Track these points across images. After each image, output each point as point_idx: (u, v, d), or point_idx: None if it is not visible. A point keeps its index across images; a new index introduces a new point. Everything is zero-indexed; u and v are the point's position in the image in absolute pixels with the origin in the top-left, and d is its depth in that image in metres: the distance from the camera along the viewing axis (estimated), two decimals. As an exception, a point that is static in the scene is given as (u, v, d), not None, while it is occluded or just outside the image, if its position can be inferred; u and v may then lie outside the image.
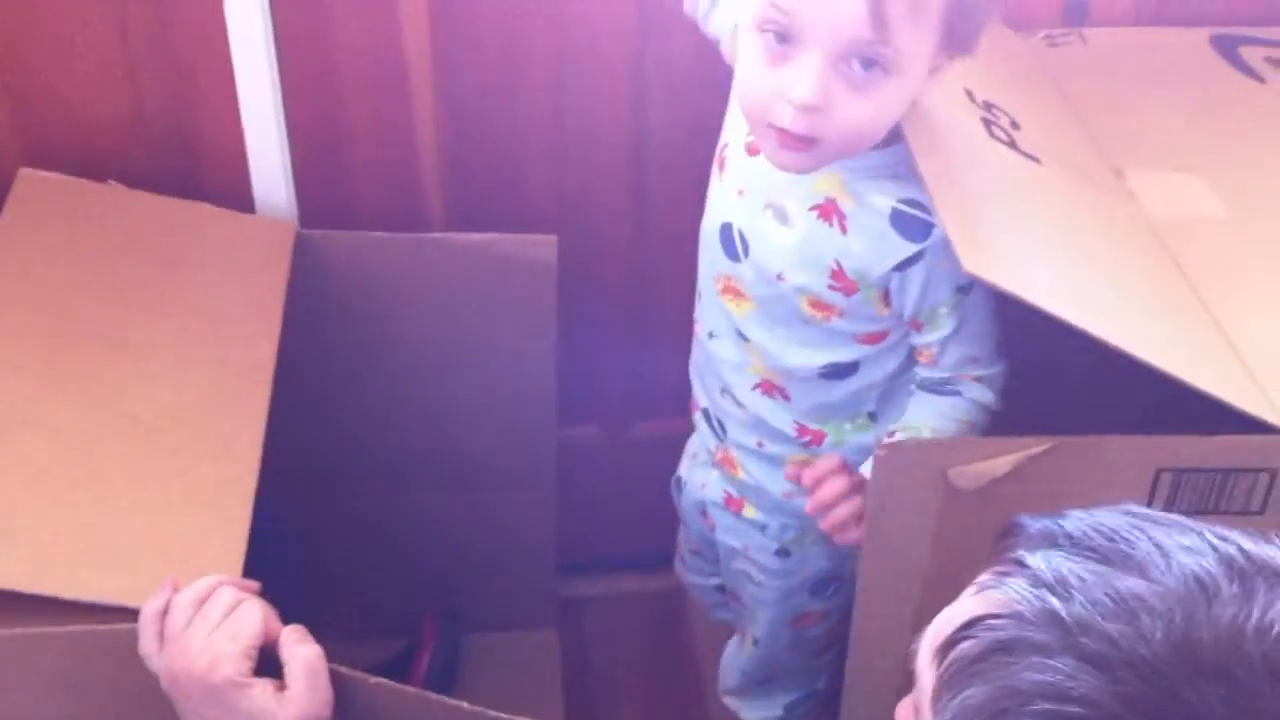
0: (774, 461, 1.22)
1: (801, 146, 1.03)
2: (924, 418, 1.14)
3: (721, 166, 1.17)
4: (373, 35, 1.40)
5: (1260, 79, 1.37)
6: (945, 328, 1.11)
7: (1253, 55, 1.40)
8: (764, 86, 1.02)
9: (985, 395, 1.14)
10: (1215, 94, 1.35)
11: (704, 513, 1.35)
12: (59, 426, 1.11)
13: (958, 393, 1.14)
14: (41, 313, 1.20)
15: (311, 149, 1.43)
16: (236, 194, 1.40)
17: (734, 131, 1.16)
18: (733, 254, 1.15)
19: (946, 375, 1.13)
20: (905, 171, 1.06)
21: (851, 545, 1.26)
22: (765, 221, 1.12)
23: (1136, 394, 1.08)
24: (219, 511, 1.09)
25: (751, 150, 1.13)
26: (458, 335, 1.47)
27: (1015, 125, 1.19)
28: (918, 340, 1.13)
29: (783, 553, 1.29)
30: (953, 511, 1.01)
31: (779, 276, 1.12)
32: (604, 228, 1.53)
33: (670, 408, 1.58)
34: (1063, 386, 1.28)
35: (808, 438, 1.19)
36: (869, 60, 0.99)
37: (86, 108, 1.39)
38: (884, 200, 1.07)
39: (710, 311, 1.20)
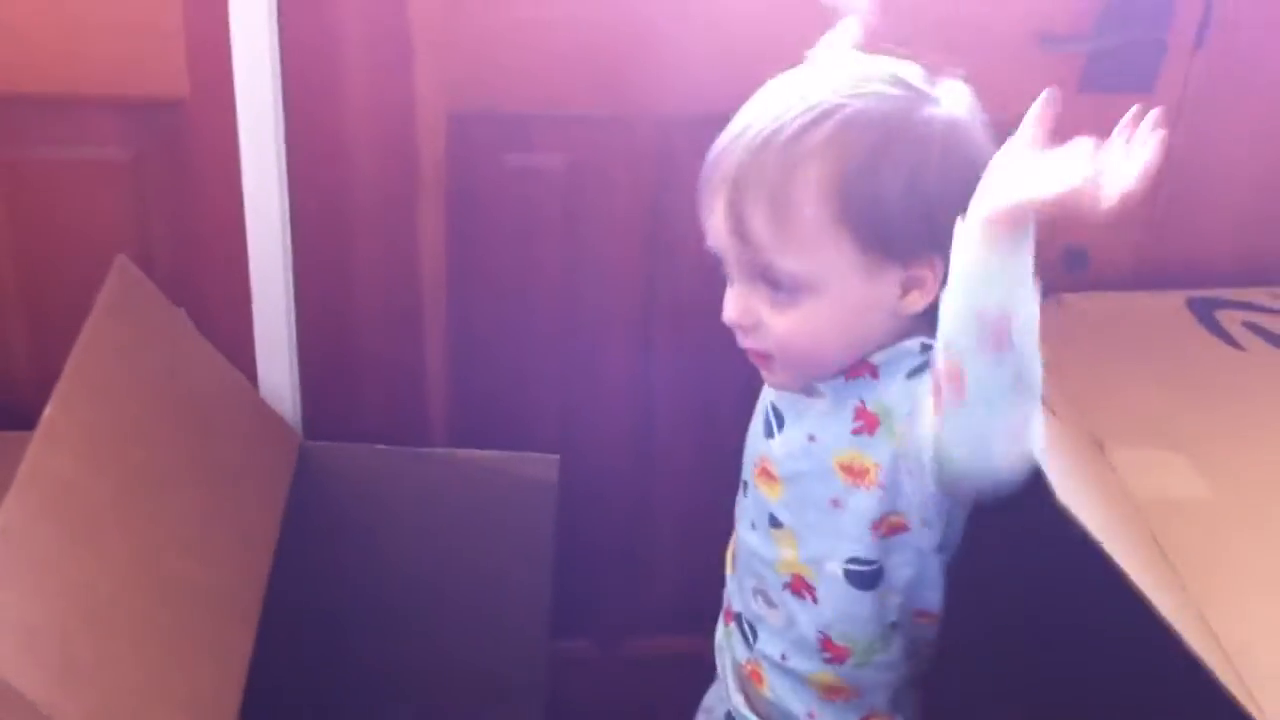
0: (796, 678, 1.18)
1: (762, 363, 1.08)
2: None
3: None
4: (389, 253, 1.44)
5: (1239, 346, 1.36)
6: None
7: (1230, 320, 1.40)
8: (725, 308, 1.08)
9: None
10: (1194, 362, 1.34)
11: None
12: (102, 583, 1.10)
13: None
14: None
15: (319, 360, 1.46)
16: (244, 405, 1.43)
17: None
18: (768, 431, 1.14)
19: None
20: None
21: None
22: (798, 397, 1.12)
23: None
24: (200, 716, 1.09)
25: None
26: (455, 549, 1.49)
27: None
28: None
29: None
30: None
31: (810, 438, 1.10)
32: (606, 449, 1.55)
33: (666, 625, 1.59)
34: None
35: (830, 654, 1.15)
36: (769, 280, 1.02)
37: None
38: (914, 340, 1.06)
39: (749, 503, 1.18)
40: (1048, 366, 1.31)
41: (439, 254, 1.43)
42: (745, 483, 1.18)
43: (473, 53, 1.35)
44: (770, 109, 1.01)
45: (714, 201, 1.02)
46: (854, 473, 1.07)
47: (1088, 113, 1.37)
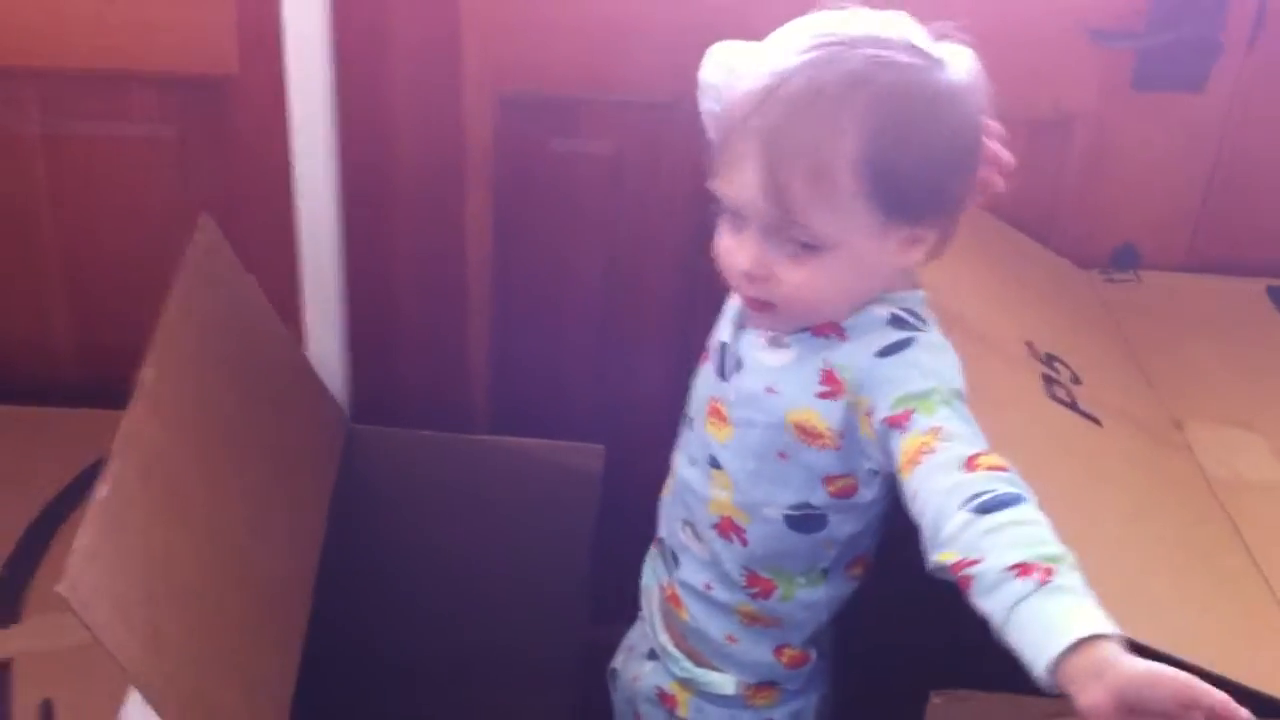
0: (720, 608, 1.19)
1: (761, 310, 1.07)
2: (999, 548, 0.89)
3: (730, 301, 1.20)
4: (436, 238, 1.44)
5: None
6: (939, 413, 0.99)
7: (1311, 311, 1.43)
8: (725, 252, 1.07)
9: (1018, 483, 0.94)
10: (1269, 350, 1.37)
11: (636, 711, 1.31)
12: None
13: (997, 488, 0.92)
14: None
15: (365, 343, 1.46)
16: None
17: None
18: (723, 372, 1.15)
19: (968, 451, 0.95)
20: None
21: None
22: (760, 345, 1.13)
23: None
24: (259, 694, 1.11)
25: None
26: (497, 536, 1.49)
27: (1077, 380, 1.21)
28: (909, 431, 0.98)
29: None
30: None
31: (769, 389, 1.11)
32: (651, 440, 1.53)
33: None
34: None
35: (756, 588, 1.17)
36: (790, 236, 1.02)
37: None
38: (883, 309, 1.07)
39: (693, 438, 1.19)
40: (1120, 340, 1.31)
41: (485, 239, 1.43)
42: (690, 418, 1.20)
43: (521, 36, 1.35)
44: (799, 69, 1.01)
45: (744, 157, 1.02)
46: (807, 432, 1.09)
47: (1136, 111, 1.39)
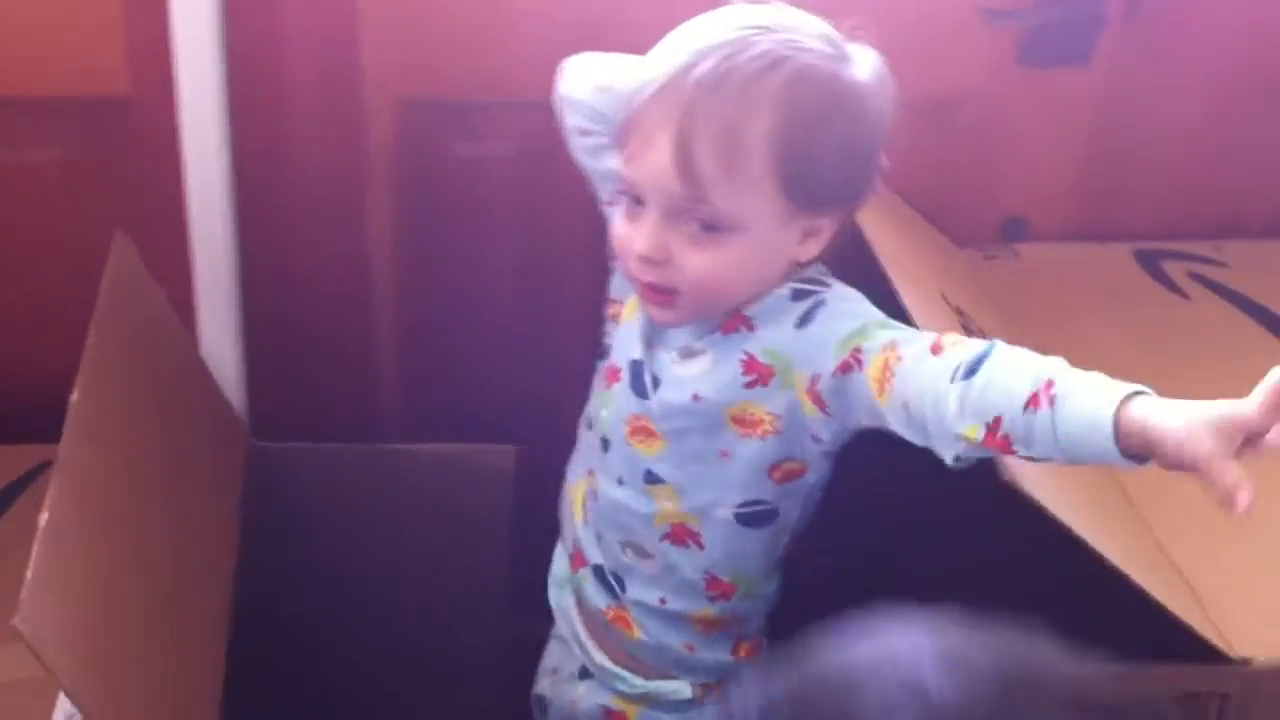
0: (675, 619, 1.18)
1: (663, 299, 1.07)
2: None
3: (618, 319, 1.19)
4: (338, 247, 1.44)
5: (1185, 295, 1.44)
6: (884, 335, 1.02)
7: (1175, 270, 1.47)
8: (622, 241, 1.07)
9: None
10: (1143, 312, 1.42)
11: None
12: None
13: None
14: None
15: (267, 359, 1.45)
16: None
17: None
18: (641, 390, 1.14)
19: (928, 342, 0.99)
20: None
21: None
22: (674, 361, 1.12)
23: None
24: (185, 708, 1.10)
25: None
26: (412, 542, 1.48)
27: (983, 334, 1.23)
28: (866, 363, 1.01)
29: None
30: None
31: (695, 397, 1.10)
32: (563, 439, 1.54)
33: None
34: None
35: (715, 592, 1.16)
36: (695, 217, 1.03)
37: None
38: (782, 288, 1.08)
39: (615, 460, 1.17)
40: (1005, 316, 1.36)
41: (389, 245, 1.43)
42: (605, 440, 1.18)
43: (418, 40, 1.35)
44: (715, 48, 1.02)
45: (656, 134, 1.02)
46: (746, 423, 1.09)
47: (1021, 87, 1.43)
